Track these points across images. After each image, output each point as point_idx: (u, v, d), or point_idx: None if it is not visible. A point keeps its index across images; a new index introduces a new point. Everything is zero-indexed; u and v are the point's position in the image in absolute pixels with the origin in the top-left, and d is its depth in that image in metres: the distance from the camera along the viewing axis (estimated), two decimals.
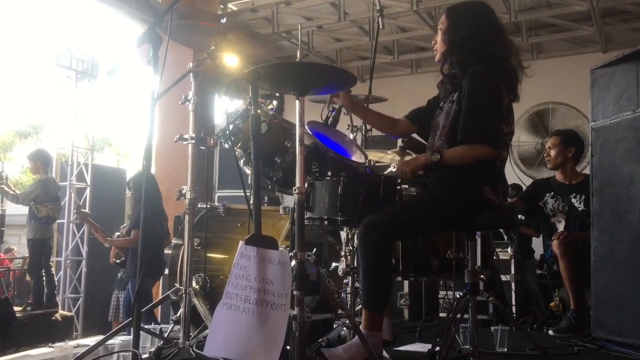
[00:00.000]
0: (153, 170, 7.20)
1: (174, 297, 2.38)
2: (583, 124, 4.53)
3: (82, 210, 6.66)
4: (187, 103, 2.52)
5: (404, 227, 2.35)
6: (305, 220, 2.37)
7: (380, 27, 3.48)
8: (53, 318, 6.42)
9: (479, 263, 5.05)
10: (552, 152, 4.03)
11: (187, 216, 2.40)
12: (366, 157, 3.03)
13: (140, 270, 1.85)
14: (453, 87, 2.59)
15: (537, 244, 5.78)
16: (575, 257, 3.62)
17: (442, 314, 4.72)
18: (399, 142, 3.58)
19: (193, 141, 2.40)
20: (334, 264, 2.69)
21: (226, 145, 2.53)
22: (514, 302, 6.11)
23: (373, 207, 2.31)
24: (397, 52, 9.58)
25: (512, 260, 6.28)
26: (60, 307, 7.66)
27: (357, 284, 2.58)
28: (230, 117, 2.53)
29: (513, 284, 6.29)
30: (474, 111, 2.40)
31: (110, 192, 9.20)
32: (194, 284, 2.64)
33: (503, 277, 6.22)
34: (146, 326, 2.68)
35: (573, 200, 3.96)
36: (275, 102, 2.70)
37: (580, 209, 3.90)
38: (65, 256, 8.35)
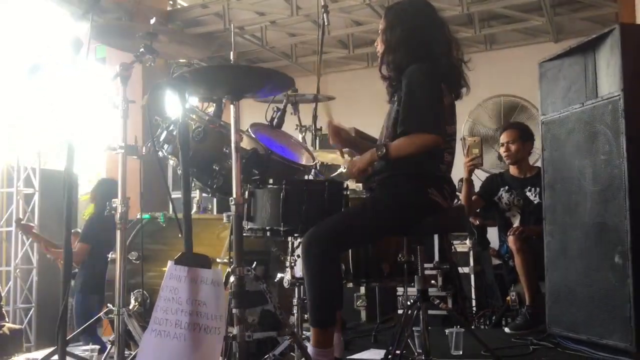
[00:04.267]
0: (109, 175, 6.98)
1: (108, 317, 2.23)
2: (532, 115, 4.50)
3: (22, 222, 6.32)
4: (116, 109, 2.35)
5: (348, 236, 2.24)
6: (247, 231, 2.25)
7: (326, 23, 3.36)
8: (0, 332, 6.14)
9: (436, 260, 5.06)
10: (513, 147, 3.98)
11: (118, 232, 2.25)
12: (314, 159, 2.92)
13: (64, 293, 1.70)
14: (393, 90, 2.50)
15: (492, 234, 5.80)
16: (531, 252, 3.59)
17: (400, 311, 4.66)
18: None
19: (122, 151, 2.23)
20: (279, 275, 2.57)
21: (160, 154, 2.39)
22: (473, 295, 6.12)
23: (318, 215, 2.21)
24: (352, 45, 9.49)
25: (471, 252, 6.29)
26: (10, 319, 7.37)
27: (303, 296, 2.47)
28: (164, 123, 2.38)
29: (472, 276, 6.30)
30: (412, 104, 2.31)
31: (61, 197, 8.88)
32: (132, 300, 2.49)
33: (462, 270, 6.23)
34: (86, 346, 2.53)
35: (528, 193, 3.94)
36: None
37: (535, 202, 3.88)
38: (15, 265, 8.02)
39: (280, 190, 2.19)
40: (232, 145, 1.99)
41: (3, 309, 6.67)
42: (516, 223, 3.94)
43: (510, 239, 3.64)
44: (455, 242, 5.78)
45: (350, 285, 2.62)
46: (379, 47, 2.56)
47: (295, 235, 2.34)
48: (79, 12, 7.70)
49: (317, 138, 3.56)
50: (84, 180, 10.33)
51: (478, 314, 5.23)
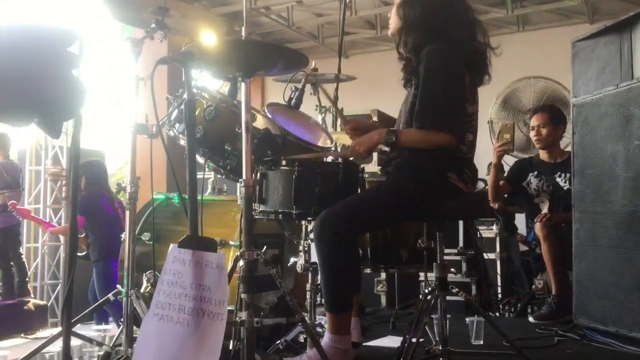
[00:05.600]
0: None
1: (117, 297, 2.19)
2: (565, 98, 4.32)
3: (18, 207, 6.37)
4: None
5: (362, 220, 2.15)
6: (259, 214, 2.18)
7: (347, 0, 3.24)
8: (25, 307, 6.24)
9: (460, 245, 4.93)
10: (544, 131, 3.81)
11: (127, 212, 2.20)
12: (332, 141, 2.83)
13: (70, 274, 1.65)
14: (409, 73, 2.36)
15: (520, 220, 5.65)
16: (559, 240, 3.45)
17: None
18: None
19: (132, 130, 2.17)
20: (292, 259, 2.50)
21: (171, 133, 2.32)
22: (499, 282, 5.99)
23: (331, 198, 2.12)
24: (380, 26, 9.31)
25: (497, 238, 6.14)
26: (38, 296, 7.49)
27: (317, 281, 2.40)
28: (175, 101, 2.31)
29: (498, 262, 6.16)
30: (430, 95, 2.18)
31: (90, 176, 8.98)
32: (144, 282, 2.45)
33: (487, 256, 6.09)
34: (98, 325, 2.50)
35: (558, 179, 3.78)
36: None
37: (565, 188, 3.73)
38: (43, 242, 8.14)
39: (293, 172, 2.11)
40: (243, 125, 1.91)
41: (29, 285, 6.78)
42: (545, 209, 3.80)
43: (537, 226, 3.51)
44: (481, 227, 5.64)
45: (368, 270, 2.53)
46: (394, 22, 2.42)
47: (309, 218, 2.26)
48: None
49: (337, 120, 3.46)
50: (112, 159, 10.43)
51: (503, 302, 5.11)
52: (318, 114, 3.45)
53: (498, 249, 6.16)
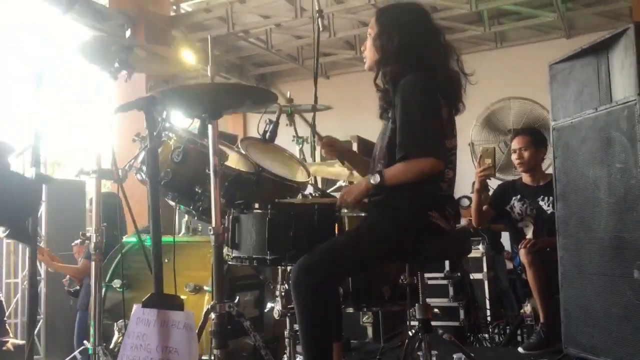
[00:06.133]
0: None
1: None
2: (545, 118, 4.29)
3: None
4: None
5: (342, 266, 2.06)
6: (232, 260, 2.09)
7: (321, 29, 3.19)
8: (4, 348, 6.04)
9: (446, 269, 4.85)
10: (525, 154, 3.76)
11: (93, 263, 2.09)
12: (309, 174, 2.76)
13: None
14: (387, 104, 2.31)
15: (506, 238, 5.61)
16: (544, 266, 3.39)
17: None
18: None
19: (95, 175, 2.07)
20: (269, 305, 2.41)
21: (139, 177, 2.23)
22: (487, 303, 5.91)
23: (308, 241, 2.04)
24: (359, 47, 9.32)
25: (484, 258, 6.08)
26: (19, 331, 7.29)
27: (296, 327, 2.30)
28: (142, 142, 2.22)
29: (486, 283, 6.09)
30: (410, 123, 2.12)
31: (69, 207, 8.81)
32: (115, 331, 2.34)
33: (474, 276, 6.02)
34: None
35: (541, 202, 3.73)
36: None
37: (549, 212, 3.67)
38: (22, 277, 7.94)
39: (266, 215, 2.02)
40: (211, 169, 1.82)
41: (6, 324, 6.58)
42: (529, 234, 3.74)
43: (522, 252, 3.44)
44: None
45: (351, 310, 2.44)
46: (368, 54, 2.37)
47: (283, 264, 2.17)
48: (81, 20, 7.64)
49: (316, 150, 3.39)
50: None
51: (492, 324, 5.03)
52: (295, 144, 3.38)
53: (485, 269, 6.09)
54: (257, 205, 2.06)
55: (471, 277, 5.95)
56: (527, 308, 3.82)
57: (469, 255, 5.81)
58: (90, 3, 7.46)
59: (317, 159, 3.47)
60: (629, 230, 2.63)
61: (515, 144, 3.80)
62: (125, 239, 2.62)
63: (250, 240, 2.04)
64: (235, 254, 2.06)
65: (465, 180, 8.05)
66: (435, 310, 2.60)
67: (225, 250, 2.09)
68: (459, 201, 9.23)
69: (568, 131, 3.05)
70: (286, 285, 2.30)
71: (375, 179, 2.11)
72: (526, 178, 3.84)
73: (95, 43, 2.23)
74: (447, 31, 8.92)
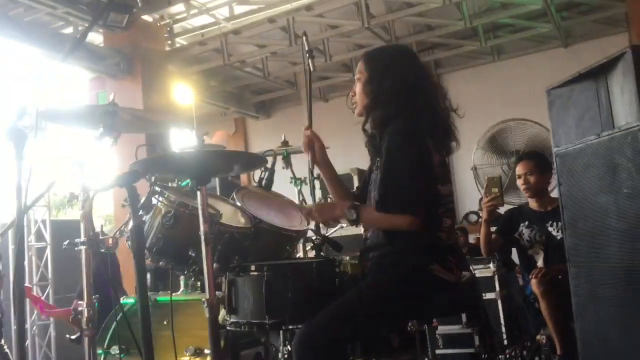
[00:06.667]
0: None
1: None
2: (548, 138, 4.22)
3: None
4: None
5: (345, 334, 1.97)
6: (230, 326, 2.01)
7: (312, 69, 3.13)
8: None
9: None
10: (531, 179, 3.69)
11: (86, 339, 2.02)
12: (308, 221, 2.69)
13: None
14: (375, 150, 2.24)
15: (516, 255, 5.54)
16: (558, 295, 3.29)
17: None
18: None
19: (84, 247, 2.01)
20: None
21: (129, 244, 2.16)
22: (502, 323, 5.79)
23: (307, 302, 1.96)
24: (355, 68, 9.30)
25: (496, 277, 5.97)
26: None
27: None
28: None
29: (499, 302, 5.97)
30: (393, 176, 2.05)
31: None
32: None
33: (488, 295, 5.90)
34: None
35: (550, 228, 3.64)
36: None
37: (558, 237, 3.58)
38: (31, 322, 7.88)
39: (262, 277, 1.94)
40: (202, 236, 1.75)
41: None
42: (540, 261, 3.64)
43: (533, 283, 3.35)
44: (477, 266, 5.49)
45: None
46: (358, 99, 2.30)
47: (284, 327, 2.08)
48: (80, 63, 7.64)
49: (315, 190, 3.32)
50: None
51: (509, 350, 4.91)
52: (293, 186, 3.31)
53: (497, 288, 5.98)
54: (253, 268, 1.99)
55: (485, 296, 5.84)
56: (543, 338, 3.71)
57: (480, 275, 5.72)
58: (85, 45, 7.47)
59: (317, 198, 3.40)
60: None
61: (520, 170, 3.73)
62: (123, 299, 2.54)
63: (247, 305, 1.97)
64: (233, 319, 1.99)
65: (471, 198, 7.92)
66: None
67: (223, 314, 2.01)
68: (467, 217, 9.16)
69: (571, 158, 2.97)
70: (289, 347, 2.22)
71: (351, 214, 2.07)
72: (533, 203, 3.76)
73: (79, 110, 2.18)
74: (443, 48, 8.95)
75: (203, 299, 1.77)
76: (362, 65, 2.30)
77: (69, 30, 7.74)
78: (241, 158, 2.00)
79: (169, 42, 8.54)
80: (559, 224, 3.54)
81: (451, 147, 2.24)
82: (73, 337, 5.78)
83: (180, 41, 8.74)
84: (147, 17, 7.88)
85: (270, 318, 1.94)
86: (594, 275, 2.85)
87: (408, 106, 2.16)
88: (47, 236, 8.23)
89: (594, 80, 2.89)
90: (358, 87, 2.30)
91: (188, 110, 9.10)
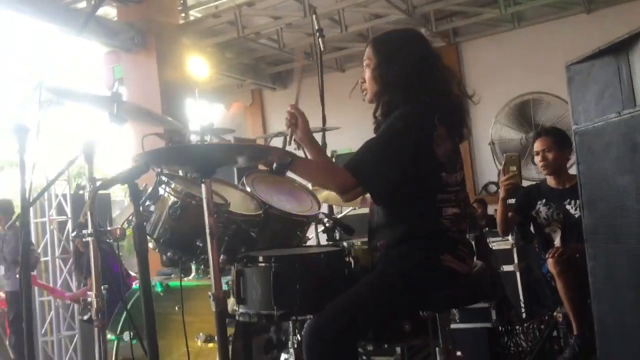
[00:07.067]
0: None
1: None
2: (567, 115, 4.11)
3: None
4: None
5: (356, 325, 1.95)
6: (240, 317, 2.01)
7: (322, 48, 3.07)
8: None
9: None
10: (549, 156, 3.60)
11: (96, 329, 2.02)
12: (319, 205, 2.66)
13: None
14: None
15: None
16: (575, 274, 3.24)
17: None
18: None
19: (91, 237, 2.00)
20: (283, 357, 2.32)
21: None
22: (521, 297, 5.76)
23: (316, 293, 1.94)
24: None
25: (514, 249, 5.93)
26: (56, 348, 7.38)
27: None
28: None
29: (518, 274, 5.94)
30: (369, 148, 2.04)
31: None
32: None
33: (506, 268, 5.87)
34: None
35: (568, 206, 3.57)
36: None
37: (576, 215, 3.51)
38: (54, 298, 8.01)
39: (270, 268, 1.92)
40: (207, 230, 1.73)
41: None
42: (557, 239, 3.58)
43: (550, 262, 3.31)
44: (495, 239, 5.44)
45: (370, 347, 2.34)
46: (368, 85, 2.24)
47: (293, 318, 2.07)
48: (94, 37, 7.60)
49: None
50: None
51: (528, 324, 4.88)
52: None
53: (516, 260, 5.94)
54: (260, 259, 1.97)
55: (502, 269, 5.80)
56: (559, 315, 3.67)
57: (497, 248, 5.68)
58: (99, 20, 7.43)
59: None
60: None
61: (538, 146, 3.64)
62: (135, 284, 2.55)
63: (256, 295, 1.95)
64: (242, 309, 1.98)
65: (489, 170, 7.79)
66: (459, 354, 2.46)
67: (233, 303, 2.01)
68: (486, 187, 9.06)
69: (591, 136, 2.88)
70: (298, 337, 2.21)
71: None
72: (551, 181, 3.68)
73: (85, 95, 2.15)
74: (461, 15, 8.73)
75: (209, 293, 1.76)
76: (369, 51, 2.24)
77: (82, 4, 7.70)
78: (245, 151, 1.95)
79: (183, 14, 8.45)
80: (577, 202, 3.47)
81: (463, 132, 2.18)
82: (85, 317, 5.86)
83: (194, 14, 8.64)
84: None
85: (278, 309, 1.92)
86: (612, 256, 2.79)
87: (419, 91, 2.10)
88: (68, 210, 8.31)
89: (614, 56, 2.79)
90: (367, 74, 2.24)
91: (204, 82, 9.09)
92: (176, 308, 2.38)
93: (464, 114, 2.20)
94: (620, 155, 2.69)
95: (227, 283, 2.18)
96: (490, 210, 7.36)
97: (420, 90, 2.11)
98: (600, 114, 2.83)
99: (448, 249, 2.03)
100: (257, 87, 10.80)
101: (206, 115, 11.40)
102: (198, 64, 8.29)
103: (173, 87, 7.80)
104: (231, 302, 2.05)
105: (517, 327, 4.71)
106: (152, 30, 7.84)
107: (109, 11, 8.01)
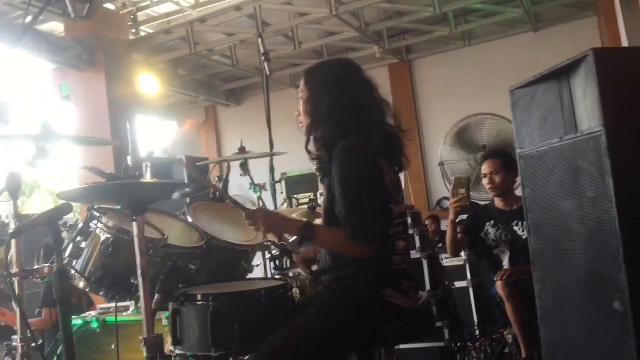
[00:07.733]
0: None
1: None
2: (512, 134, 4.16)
3: None
4: None
5: None
6: (175, 358, 1.92)
7: (267, 72, 3.02)
8: None
9: (427, 288, 4.70)
10: (497, 178, 3.63)
11: None
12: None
13: None
14: (322, 171, 2.13)
15: None
16: (524, 293, 3.25)
17: None
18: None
19: (16, 278, 1.89)
20: None
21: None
22: (474, 315, 5.77)
23: (256, 332, 1.87)
24: (327, 54, 9.17)
25: (467, 265, 5.94)
26: None
27: None
28: (70, 232, 2.04)
29: (471, 290, 5.94)
30: (351, 204, 1.95)
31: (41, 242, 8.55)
32: None
33: (458, 284, 5.86)
34: None
35: (515, 227, 3.60)
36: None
37: (524, 237, 3.54)
38: None
39: (208, 307, 1.84)
40: (138, 271, 1.64)
41: None
42: (505, 260, 3.61)
43: (499, 285, 3.31)
44: (447, 255, 5.44)
45: None
46: (303, 120, 2.17)
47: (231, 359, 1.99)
48: (39, 54, 7.35)
49: (277, 194, 3.22)
50: None
51: (479, 341, 4.88)
52: (252, 192, 3.21)
53: (469, 276, 5.94)
54: (198, 297, 1.88)
55: (455, 285, 5.80)
56: (509, 336, 3.68)
57: (450, 264, 5.68)
58: (43, 35, 7.20)
59: (279, 204, 3.31)
60: (606, 265, 2.49)
61: (485, 168, 3.66)
62: (74, 319, 2.42)
63: (193, 335, 1.86)
64: (178, 350, 1.89)
65: (443, 185, 7.81)
66: None
67: (170, 344, 1.91)
68: (440, 203, 9.13)
69: (535, 160, 2.91)
70: None
71: (307, 233, 1.95)
72: (499, 202, 3.71)
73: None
74: (413, 33, 8.83)
75: (140, 337, 1.66)
76: (302, 82, 2.18)
77: (28, 20, 7.46)
78: (180, 188, 1.87)
79: (133, 30, 8.28)
80: (524, 223, 3.50)
81: (402, 162, 2.14)
82: (33, 343, 5.57)
83: (145, 29, 8.49)
84: (108, 5, 7.62)
85: (216, 350, 1.84)
86: (559, 280, 2.81)
87: (354, 124, 2.04)
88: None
89: (556, 81, 2.81)
90: (301, 107, 2.18)
91: (157, 99, 8.92)
92: (112, 347, 2.26)
93: (401, 144, 2.16)
94: (563, 180, 2.71)
95: (167, 318, 2.08)
96: (443, 226, 7.41)
97: (354, 123, 2.06)
98: (544, 138, 2.85)
99: (390, 284, 1.98)
100: (210, 103, 10.67)
101: (159, 133, 11.21)
102: (149, 81, 8.14)
103: (122, 105, 7.59)
104: (168, 342, 1.96)
105: (470, 344, 4.71)
106: (101, 46, 7.65)
107: (56, 26, 7.79)
